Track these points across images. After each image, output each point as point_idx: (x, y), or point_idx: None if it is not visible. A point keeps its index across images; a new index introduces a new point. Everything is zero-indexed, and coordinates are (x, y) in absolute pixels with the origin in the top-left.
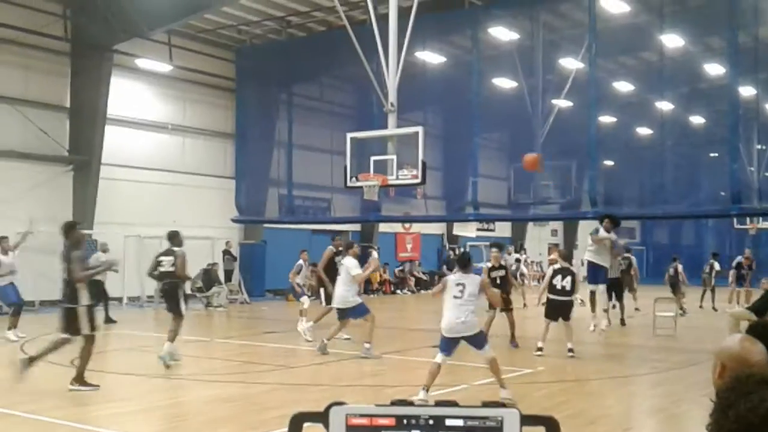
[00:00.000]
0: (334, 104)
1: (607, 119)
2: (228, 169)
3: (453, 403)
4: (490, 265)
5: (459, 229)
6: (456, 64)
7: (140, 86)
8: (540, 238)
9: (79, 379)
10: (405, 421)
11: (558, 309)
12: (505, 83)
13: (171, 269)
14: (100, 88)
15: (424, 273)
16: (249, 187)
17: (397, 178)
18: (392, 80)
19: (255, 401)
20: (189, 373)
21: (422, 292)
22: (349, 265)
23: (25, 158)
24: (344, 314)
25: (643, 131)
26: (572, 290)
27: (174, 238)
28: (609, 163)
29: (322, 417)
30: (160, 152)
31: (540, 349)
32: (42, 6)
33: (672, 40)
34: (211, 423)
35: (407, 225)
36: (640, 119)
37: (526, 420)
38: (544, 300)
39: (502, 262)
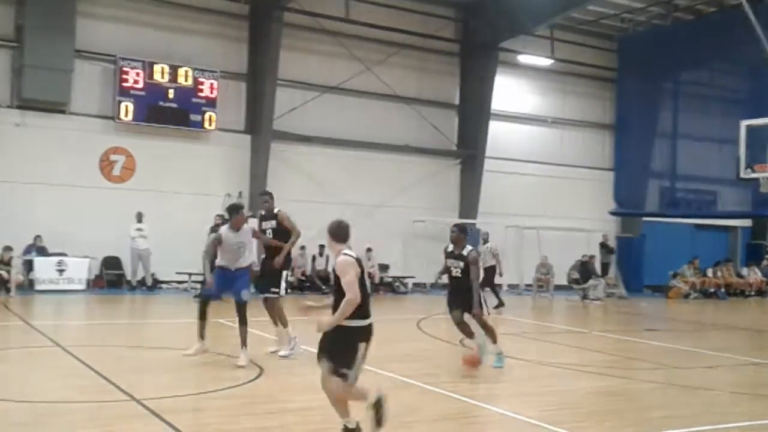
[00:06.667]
0: (725, 90)
1: None
2: (606, 160)
3: None
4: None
5: None
6: None
7: (521, 81)
8: None
9: None
10: None
11: None
12: None
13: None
14: (486, 85)
15: None
16: (628, 179)
17: None
18: None
19: (639, 398)
20: (570, 362)
21: None
22: None
23: (419, 152)
24: None
25: None
26: None
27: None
28: None
29: None
30: (538, 145)
31: None
32: (435, 11)
33: None
34: (593, 415)
35: None
36: None
37: None
38: None
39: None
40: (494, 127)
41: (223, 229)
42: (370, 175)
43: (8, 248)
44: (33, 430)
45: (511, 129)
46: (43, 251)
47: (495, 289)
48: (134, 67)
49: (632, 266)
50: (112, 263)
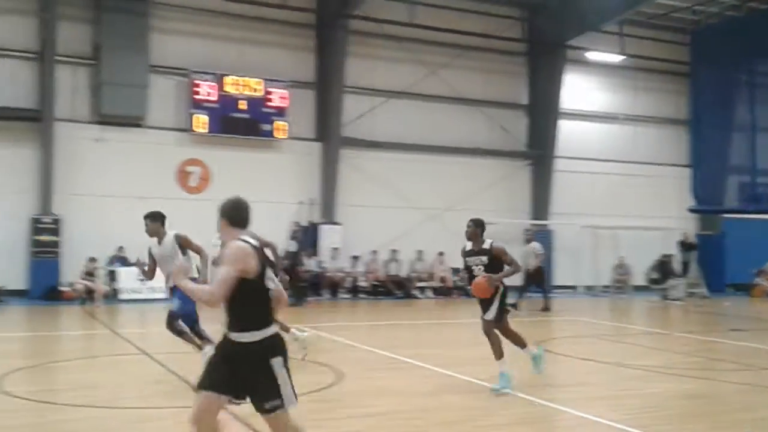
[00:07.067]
0: None
1: None
2: (682, 157)
3: None
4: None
5: None
6: None
7: (590, 78)
8: None
9: None
10: None
11: None
12: None
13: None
14: (555, 84)
15: None
16: (706, 175)
17: None
18: None
19: (725, 401)
20: (651, 364)
21: None
22: None
23: (489, 155)
24: None
25: None
26: None
27: None
28: None
29: None
30: (611, 143)
31: None
32: (500, 12)
33: None
34: (679, 418)
35: None
36: None
37: None
38: None
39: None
40: (564, 126)
41: (152, 243)
42: (440, 179)
43: (93, 259)
44: None
45: (581, 128)
46: (125, 262)
47: (526, 290)
48: (206, 80)
49: (713, 264)
50: None
